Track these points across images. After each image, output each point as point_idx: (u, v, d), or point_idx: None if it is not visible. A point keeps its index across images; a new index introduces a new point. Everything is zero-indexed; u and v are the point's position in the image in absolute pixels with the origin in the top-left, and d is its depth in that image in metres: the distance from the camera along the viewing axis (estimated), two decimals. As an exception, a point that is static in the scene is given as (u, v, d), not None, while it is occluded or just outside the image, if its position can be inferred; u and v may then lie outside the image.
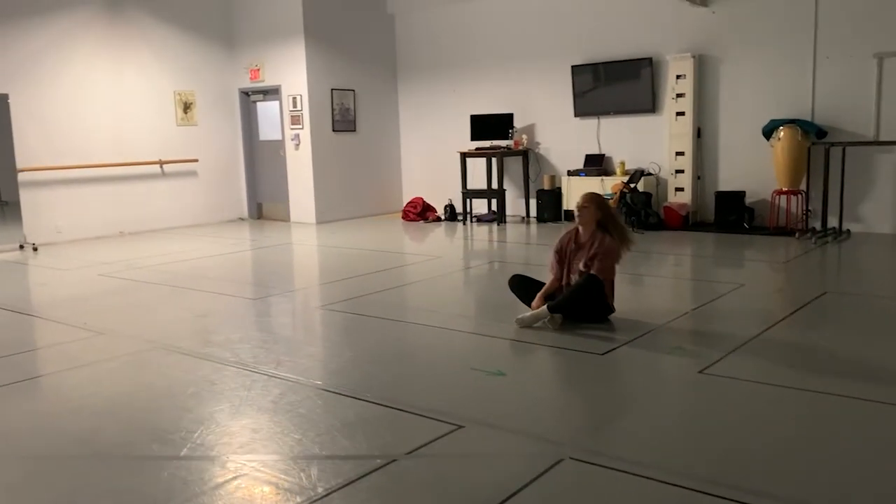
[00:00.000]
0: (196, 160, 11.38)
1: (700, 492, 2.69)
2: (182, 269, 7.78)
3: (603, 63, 10.19)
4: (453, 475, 2.95)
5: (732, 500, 2.63)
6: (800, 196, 8.80)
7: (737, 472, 2.86)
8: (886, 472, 2.85)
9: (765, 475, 2.83)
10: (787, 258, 7.46)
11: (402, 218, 11.50)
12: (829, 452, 3.02)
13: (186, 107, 11.26)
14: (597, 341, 4.64)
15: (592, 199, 5.05)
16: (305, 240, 10.00)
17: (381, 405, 3.67)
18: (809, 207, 8.75)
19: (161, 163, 10.94)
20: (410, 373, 4.31)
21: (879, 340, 4.59)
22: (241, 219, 12.18)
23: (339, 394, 3.83)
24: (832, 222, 8.55)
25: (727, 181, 9.52)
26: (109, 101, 10.37)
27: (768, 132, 8.87)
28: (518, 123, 10.93)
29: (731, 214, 9.25)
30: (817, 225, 8.61)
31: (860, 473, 2.83)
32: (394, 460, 3.05)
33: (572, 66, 10.38)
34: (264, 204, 12.28)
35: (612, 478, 2.85)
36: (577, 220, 5.08)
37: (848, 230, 8.58)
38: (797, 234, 8.45)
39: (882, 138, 8.35)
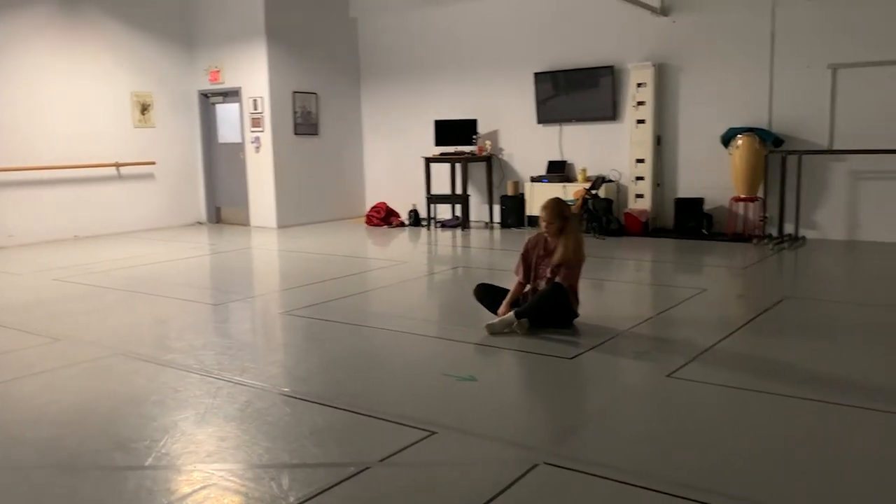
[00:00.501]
0: (153, 163, 11.16)
1: (675, 496, 2.70)
2: (140, 273, 7.61)
3: (565, 71, 10.28)
4: (428, 482, 2.92)
5: (707, 503, 2.65)
6: (757, 203, 8.98)
7: (710, 476, 2.89)
8: (853, 472, 2.90)
9: (737, 478, 2.86)
10: (745, 264, 7.60)
11: (366, 223, 11.44)
12: (798, 455, 3.07)
13: (144, 108, 11.03)
14: (564, 346, 4.66)
15: (556, 215, 5.03)
16: (266, 244, 9.87)
17: (351, 412, 3.62)
18: (766, 214, 8.94)
19: (117, 165, 10.70)
20: (380, 379, 4.27)
21: (837, 345, 4.70)
22: (200, 223, 11.98)
23: (308, 401, 3.78)
24: (788, 229, 8.75)
25: (686, 188, 9.68)
26: (65, 103, 10.11)
27: (726, 140, 9.05)
28: (482, 129, 10.96)
29: (689, 221, 9.40)
30: (774, 231, 8.81)
31: (829, 475, 2.88)
32: (367, 468, 3.01)
33: (535, 74, 10.45)
34: (223, 208, 12.09)
35: (588, 483, 2.85)
36: (544, 230, 5.09)
37: (803, 236, 8.79)
38: (754, 241, 8.63)
39: (836, 147, 8.58)
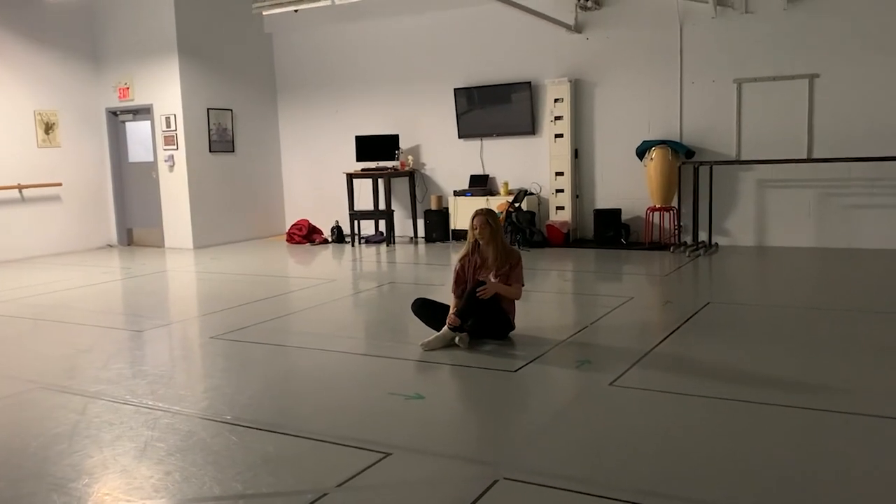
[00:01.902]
0: (59, 184, 10.63)
1: (635, 503, 2.76)
2: (51, 301, 7.22)
3: (484, 86, 10.43)
4: (390, 505, 2.88)
5: (667, 508, 2.72)
6: (672, 212, 9.33)
7: (667, 479, 2.96)
8: (798, 466, 3.04)
9: (693, 480, 2.95)
10: (665, 271, 7.87)
11: (287, 241, 11.23)
12: (741, 453, 3.18)
13: (48, 127, 10.51)
14: (506, 359, 4.70)
15: (486, 222, 5.09)
16: (183, 266, 9.55)
17: (301, 437, 3.53)
18: (681, 223, 9.30)
19: (20, 187, 10.13)
20: (325, 401, 4.18)
21: (762, 345, 4.93)
22: (110, 245, 11.48)
23: (255, 428, 3.66)
24: (702, 236, 9.13)
25: (604, 199, 9.97)
26: (-40, 121, 9.52)
27: (641, 152, 9.38)
28: (404, 144, 10.97)
29: (608, 231, 9.68)
30: (689, 239, 9.16)
31: (780, 471, 3.00)
32: (325, 494, 2.93)
33: (454, 89, 10.55)
34: (135, 229, 11.63)
35: (549, 495, 2.87)
36: (477, 237, 5.13)
37: (716, 243, 9.18)
38: (671, 248, 8.96)
39: (743, 157, 9.02)
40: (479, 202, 10.07)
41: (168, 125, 10.80)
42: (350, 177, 10.92)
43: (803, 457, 3.16)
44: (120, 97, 11.10)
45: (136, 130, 11.29)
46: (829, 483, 2.91)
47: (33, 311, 6.77)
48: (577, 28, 9.77)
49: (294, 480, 3.08)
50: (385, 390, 4.19)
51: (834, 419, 3.54)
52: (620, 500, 2.78)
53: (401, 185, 11.08)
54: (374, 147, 10.92)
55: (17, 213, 10.18)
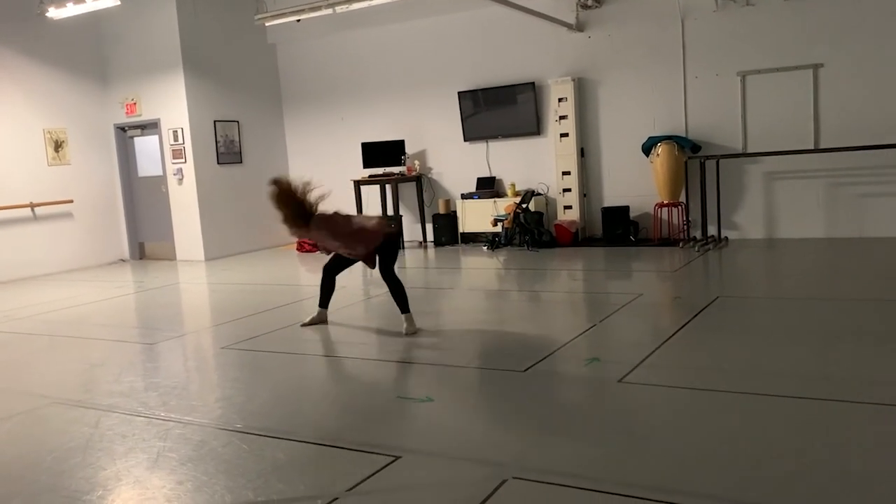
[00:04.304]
0: (71, 201, 10.74)
1: (646, 499, 2.76)
2: (65, 317, 7.29)
3: (488, 88, 10.45)
4: (400, 507, 2.89)
5: None
6: (680, 208, 9.31)
7: (679, 476, 2.96)
8: (813, 458, 3.03)
9: (705, 477, 2.94)
10: (675, 267, 7.85)
11: (297, 249, 11.28)
12: (758, 448, 3.18)
13: (58, 145, 10.62)
14: (514, 359, 4.71)
15: (281, 204, 5.39)
16: (195, 278, 9.61)
17: (311, 443, 3.56)
18: (689, 218, 9.28)
19: (32, 206, 10.24)
20: (334, 407, 4.21)
21: (774, 339, 4.90)
22: (123, 260, 11.58)
23: (265, 435, 3.68)
24: (711, 231, 9.10)
25: (612, 197, 9.95)
26: (-29, 142, 9.64)
27: (647, 149, 9.36)
28: (410, 149, 11.00)
29: (617, 228, 9.66)
30: (698, 234, 9.13)
31: (795, 464, 2.99)
32: (335, 499, 2.96)
33: (459, 92, 10.58)
34: (147, 243, 11.73)
35: (559, 493, 2.88)
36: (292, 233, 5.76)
37: (726, 237, 9.15)
38: (681, 244, 8.93)
39: (750, 150, 8.99)
40: (487, 204, 10.11)
41: (176, 139, 10.89)
42: (357, 184, 10.96)
43: (819, 449, 3.14)
44: (127, 113, 11.21)
45: (145, 145, 11.39)
46: (848, 475, 2.89)
47: (48, 327, 6.84)
48: (579, 27, 9.77)
49: (304, 486, 3.10)
50: (394, 394, 4.21)
51: (852, 410, 3.52)
52: (631, 497, 2.79)
53: (408, 190, 11.12)
54: (381, 153, 10.96)
55: (30, 230, 10.29)
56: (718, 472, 2.96)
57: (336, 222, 5.46)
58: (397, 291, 5.61)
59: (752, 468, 2.97)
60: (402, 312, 5.58)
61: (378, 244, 5.51)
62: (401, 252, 10.46)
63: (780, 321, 5.39)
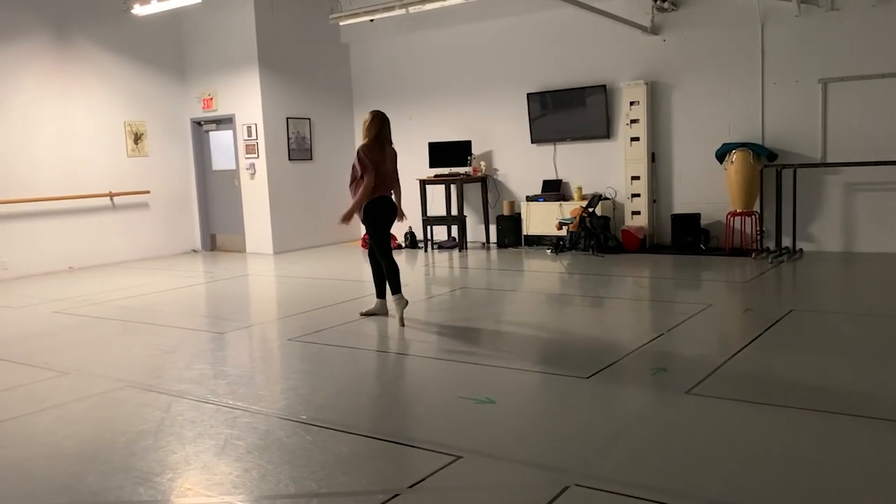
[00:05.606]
0: (147, 192, 11.12)
1: (712, 514, 2.69)
2: (139, 303, 7.55)
3: (558, 91, 10.37)
4: (461, 507, 2.89)
5: (745, 520, 2.64)
6: (754, 217, 9.05)
7: (742, 491, 2.87)
8: (881, 482, 2.90)
9: (773, 491, 2.85)
10: (746, 278, 7.63)
11: (362, 246, 11.40)
12: (826, 467, 3.06)
13: (137, 137, 11.00)
14: (578, 365, 4.65)
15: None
16: (264, 271, 9.82)
17: (374, 438, 3.59)
18: (763, 228, 9.01)
19: (111, 195, 10.64)
20: (398, 403, 4.24)
21: (849, 356, 4.72)
22: (195, 251, 11.92)
23: (329, 428, 3.73)
24: (786, 242, 8.81)
25: (682, 204, 9.74)
26: (58, 133, 10.06)
27: (721, 155, 9.13)
28: (476, 150, 11.01)
29: (687, 236, 9.45)
30: (771, 245, 8.86)
31: (863, 486, 2.87)
32: (396, 494, 2.97)
33: (528, 94, 10.53)
34: (218, 235, 12.04)
35: (621, 503, 2.83)
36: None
37: (801, 249, 8.85)
38: (753, 255, 8.68)
39: (829, 160, 8.68)
40: (552, 207, 10.03)
41: (249, 134, 11.15)
42: (423, 183, 11.02)
43: (888, 472, 3.01)
44: (204, 108, 11.53)
45: (219, 139, 11.70)
46: (920, 500, 2.77)
47: (122, 312, 7.09)
48: (654, 30, 9.60)
49: (367, 481, 3.13)
50: (456, 393, 4.21)
51: (927, 433, 3.36)
52: (695, 511, 2.72)
53: (473, 190, 11.12)
54: (447, 153, 11.00)
55: (109, 219, 10.69)
56: (784, 491, 2.86)
57: (389, 157, 6.51)
58: (392, 270, 6.07)
59: (819, 490, 2.86)
60: (394, 293, 6.03)
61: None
62: (464, 253, 10.47)
63: (857, 338, 5.18)
